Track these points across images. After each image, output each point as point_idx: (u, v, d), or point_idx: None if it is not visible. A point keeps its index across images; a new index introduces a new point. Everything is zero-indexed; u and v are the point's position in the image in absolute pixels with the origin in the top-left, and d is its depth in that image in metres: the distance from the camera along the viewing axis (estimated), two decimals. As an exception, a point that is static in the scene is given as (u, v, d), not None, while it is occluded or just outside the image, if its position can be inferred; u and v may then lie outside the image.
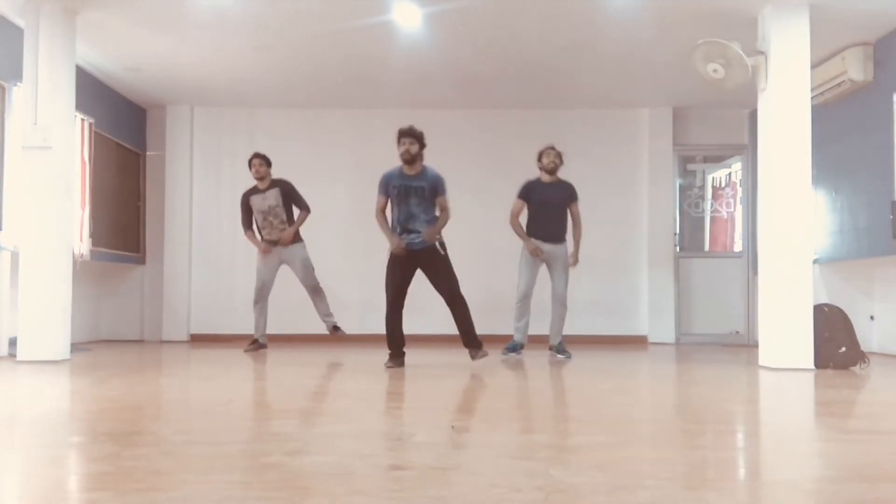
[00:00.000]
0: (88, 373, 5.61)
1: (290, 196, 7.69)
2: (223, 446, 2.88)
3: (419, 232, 6.00)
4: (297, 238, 7.70)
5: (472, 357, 6.13)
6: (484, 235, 9.21)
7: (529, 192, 7.08)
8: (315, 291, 7.74)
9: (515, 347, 7.09)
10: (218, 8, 6.69)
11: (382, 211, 6.13)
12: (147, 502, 2.07)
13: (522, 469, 2.47)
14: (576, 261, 7.14)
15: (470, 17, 6.84)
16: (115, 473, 2.39)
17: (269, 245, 7.63)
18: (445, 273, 6.04)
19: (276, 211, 7.64)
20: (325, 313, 7.79)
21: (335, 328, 7.81)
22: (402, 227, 6.03)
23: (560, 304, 7.06)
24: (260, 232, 7.73)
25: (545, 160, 7.08)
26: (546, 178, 7.10)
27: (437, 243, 6.02)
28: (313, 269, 7.72)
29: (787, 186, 6.33)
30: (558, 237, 7.08)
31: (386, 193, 6.09)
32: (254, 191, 7.71)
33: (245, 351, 7.61)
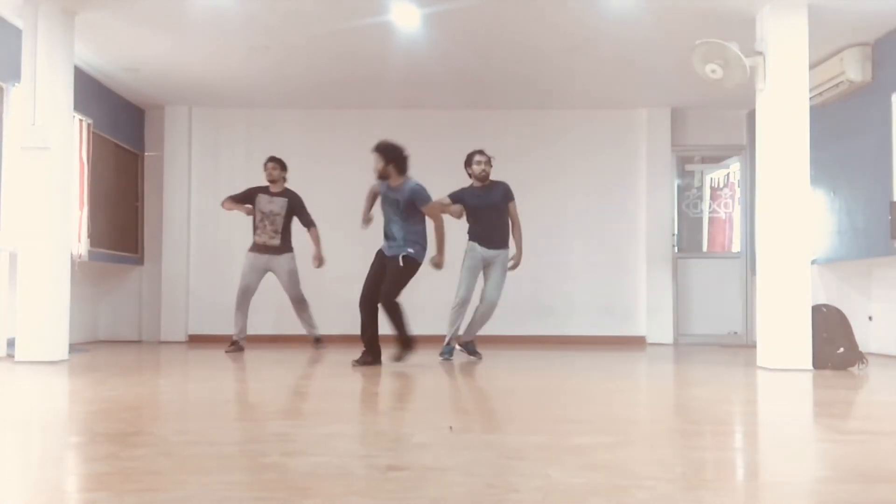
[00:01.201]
0: (87, 373, 5.61)
1: (294, 209, 7.78)
2: (221, 447, 2.88)
3: (395, 238, 6.28)
4: (287, 248, 7.77)
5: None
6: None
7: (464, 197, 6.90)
8: (299, 303, 7.76)
9: (452, 351, 6.89)
10: (216, 8, 6.68)
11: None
12: (145, 503, 2.07)
13: (520, 470, 2.47)
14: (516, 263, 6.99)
15: (469, 17, 6.83)
16: (113, 474, 2.39)
17: (260, 249, 7.72)
18: (389, 277, 6.21)
19: (274, 218, 7.73)
20: (309, 325, 7.80)
21: (317, 340, 7.80)
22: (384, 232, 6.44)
23: (490, 306, 6.85)
24: (254, 231, 7.81)
25: (476, 168, 6.87)
26: (477, 184, 6.94)
27: (399, 255, 6.22)
28: (299, 281, 7.77)
29: (786, 187, 6.34)
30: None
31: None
32: (265, 189, 7.79)
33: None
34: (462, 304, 6.84)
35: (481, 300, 6.89)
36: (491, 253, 6.86)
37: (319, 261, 7.74)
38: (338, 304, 8.52)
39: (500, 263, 6.88)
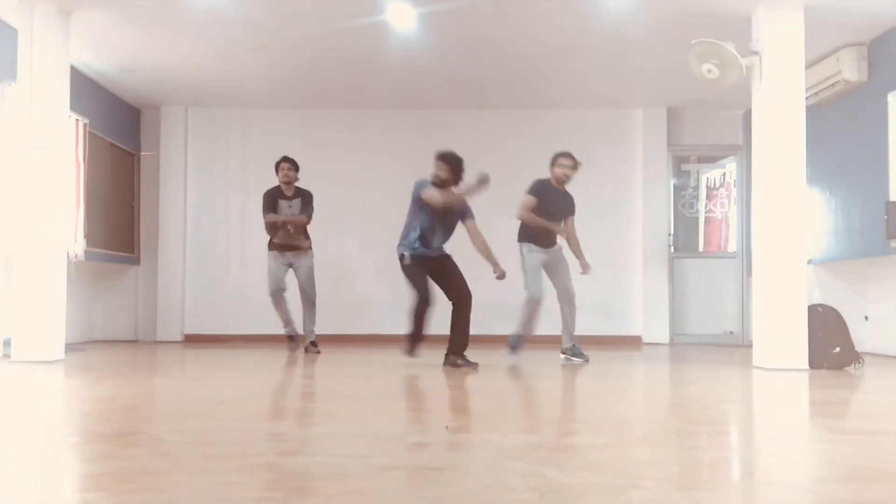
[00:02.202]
0: (83, 373, 5.60)
1: (308, 206, 7.70)
2: (217, 447, 2.87)
3: (436, 245, 6.35)
4: (309, 246, 7.71)
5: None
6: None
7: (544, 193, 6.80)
8: (311, 303, 7.69)
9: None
10: (213, 9, 6.67)
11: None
12: (141, 503, 2.06)
13: (517, 469, 2.47)
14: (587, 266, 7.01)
15: (464, 17, 6.84)
16: (109, 474, 2.38)
17: (283, 248, 7.61)
18: (458, 274, 6.32)
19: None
20: (309, 329, 7.75)
21: (313, 344, 7.74)
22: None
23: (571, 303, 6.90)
24: (274, 233, 7.65)
25: (558, 171, 6.81)
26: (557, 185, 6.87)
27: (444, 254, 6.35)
28: (314, 281, 7.72)
29: (782, 187, 6.34)
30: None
31: None
32: (280, 194, 7.64)
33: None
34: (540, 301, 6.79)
35: (564, 300, 6.85)
36: (550, 252, 6.83)
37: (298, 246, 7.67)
38: (325, 304, 8.49)
39: (562, 257, 6.88)
